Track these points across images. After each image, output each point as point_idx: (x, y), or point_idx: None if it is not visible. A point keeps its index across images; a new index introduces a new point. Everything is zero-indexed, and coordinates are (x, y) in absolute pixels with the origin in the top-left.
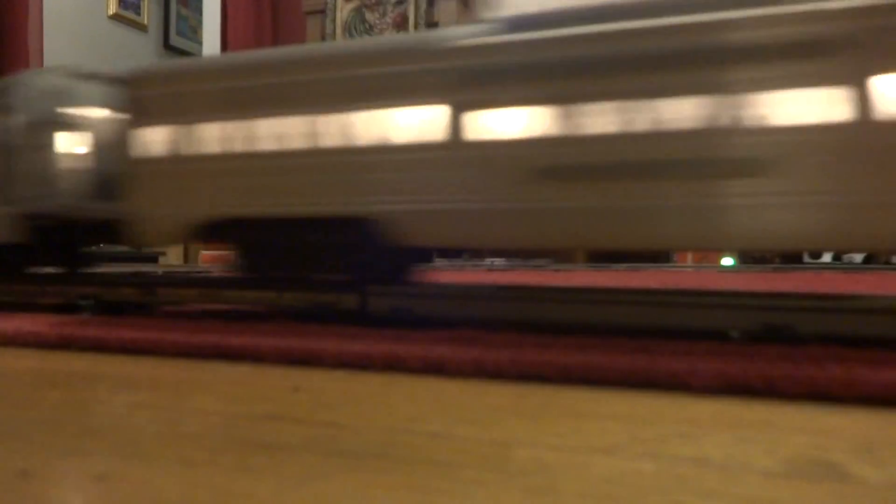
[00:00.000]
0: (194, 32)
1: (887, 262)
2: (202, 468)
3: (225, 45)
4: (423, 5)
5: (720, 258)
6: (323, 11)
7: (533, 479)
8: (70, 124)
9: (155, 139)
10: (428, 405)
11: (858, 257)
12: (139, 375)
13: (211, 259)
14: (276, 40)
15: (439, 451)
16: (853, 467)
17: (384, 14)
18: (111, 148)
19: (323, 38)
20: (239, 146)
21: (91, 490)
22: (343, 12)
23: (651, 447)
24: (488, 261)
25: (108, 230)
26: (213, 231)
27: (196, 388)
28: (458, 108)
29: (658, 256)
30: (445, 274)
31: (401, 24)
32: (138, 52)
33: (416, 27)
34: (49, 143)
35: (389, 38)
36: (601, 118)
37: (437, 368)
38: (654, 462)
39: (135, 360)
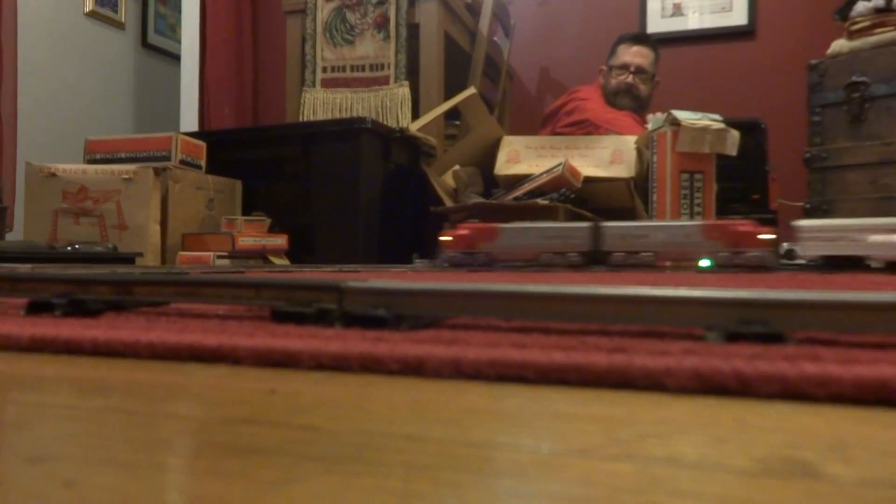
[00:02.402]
0: (173, 31)
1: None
2: (174, 473)
3: (204, 44)
4: (405, 6)
5: (698, 259)
6: (303, 11)
7: (510, 480)
8: None
9: None
10: (405, 407)
11: None
12: (113, 379)
13: (189, 260)
14: (255, 39)
15: (416, 453)
16: (825, 466)
17: (365, 14)
18: None
19: (303, 38)
20: None
21: (58, 497)
22: (323, 12)
23: (627, 448)
24: None
25: None
26: None
27: (171, 391)
28: None
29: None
30: (425, 275)
31: (382, 25)
32: (115, 51)
33: (397, 28)
34: None
35: None
36: None
37: (415, 369)
38: (630, 463)
39: (109, 362)
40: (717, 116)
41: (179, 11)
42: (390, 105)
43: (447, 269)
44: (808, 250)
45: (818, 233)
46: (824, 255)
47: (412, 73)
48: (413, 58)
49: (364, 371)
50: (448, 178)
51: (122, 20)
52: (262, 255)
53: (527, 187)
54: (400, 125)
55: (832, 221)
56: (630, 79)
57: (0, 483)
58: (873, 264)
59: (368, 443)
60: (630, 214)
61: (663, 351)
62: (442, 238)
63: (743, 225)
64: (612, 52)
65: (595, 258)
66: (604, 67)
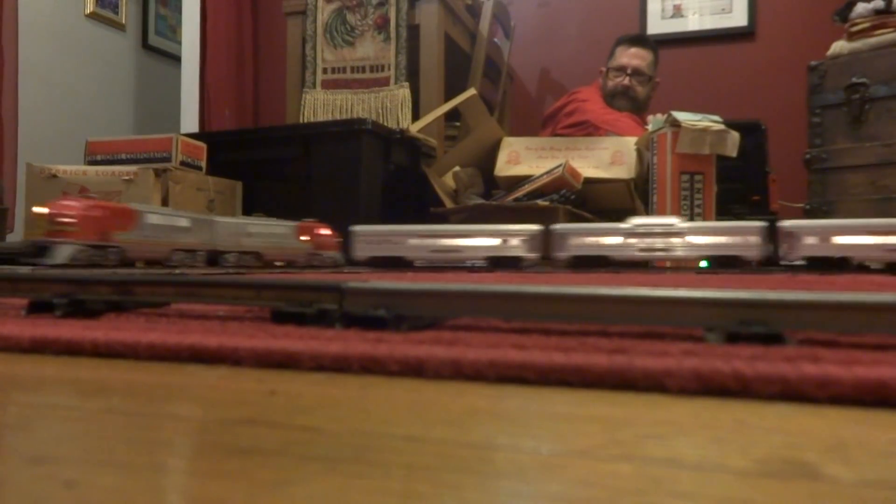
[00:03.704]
0: (173, 32)
1: (859, 265)
2: (175, 474)
3: (204, 45)
4: (405, 7)
5: (699, 260)
6: (303, 12)
7: (511, 481)
8: None
9: None
10: (406, 408)
11: None
12: (113, 380)
13: None
14: (256, 41)
15: (416, 454)
16: (826, 466)
17: (365, 16)
18: None
19: (303, 39)
20: None
21: (59, 498)
22: (324, 13)
23: (627, 449)
24: (469, 262)
25: None
26: None
27: (171, 392)
28: None
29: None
30: (426, 275)
31: (382, 26)
32: (116, 52)
33: (397, 29)
34: None
35: None
36: None
37: (415, 370)
38: (630, 464)
39: (109, 363)
40: (717, 118)
41: (180, 13)
42: (391, 106)
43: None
44: (360, 252)
45: (368, 236)
46: (373, 256)
47: (412, 75)
48: (413, 59)
49: (364, 372)
50: (448, 179)
51: (123, 21)
52: None
53: (527, 188)
54: (400, 126)
55: (379, 227)
56: (627, 81)
57: (1, 484)
58: (416, 263)
59: (369, 444)
60: (630, 216)
61: (663, 352)
62: (60, 219)
63: (324, 228)
64: (611, 54)
65: (211, 258)
66: (603, 69)
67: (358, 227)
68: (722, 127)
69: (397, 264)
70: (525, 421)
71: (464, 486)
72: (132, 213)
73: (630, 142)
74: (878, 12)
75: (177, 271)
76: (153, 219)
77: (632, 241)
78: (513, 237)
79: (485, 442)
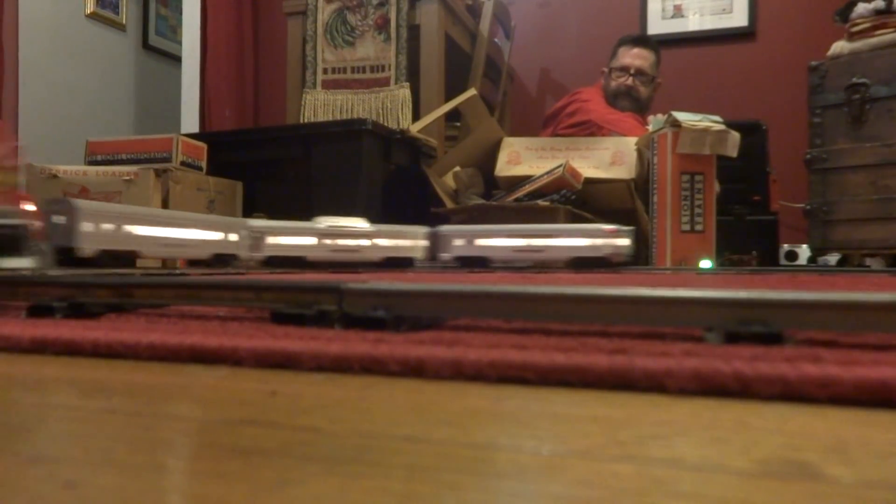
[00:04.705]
0: (174, 32)
1: (860, 265)
2: (175, 475)
3: (205, 46)
4: (406, 7)
5: (699, 261)
6: (304, 13)
7: (511, 482)
8: None
9: None
10: (406, 408)
11: (833, 260)
12: (114, 380)
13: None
14: (256, 41)
15: (417, 454)
16: (826, 467)
17: (366, 16)
18: None
19: (303, 40)
20: None
21: (59, 498)
22: (324, 13)
23: (628, 449)
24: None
25: None
26: None
27: (172, 393)
28: None
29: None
30: (425, 275)
31: (382, 26)
32: (116, 52)
33: (397, 29)
34: None
35: None
36: None
37: (415, 371)
38: (630, 464)
39: (109, 364)
40: (717, 118)
41: (180, 13)
42: (391, 106)
43: None
44: (86, 242)
45: (98, 222)
46: (103, 250)
47: (413, 75)
48: (414, 59)
49: (364, 372)
50: (449, 180)
51: (123, 22)
52: None
53: (527, 189)
54: (400, 126)
55: (107, 205)
56: (630, 81)
57: (1, 483)
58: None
59: (369, 444)
60: (631, 216)
61: (664, 352)
62: None
63: (26, 201)
64: (613, 54)
65: None
66: (605, 69)
67: (82, 203)
68: (722, 127)
69: (128, 259)
70: (526, 421)
71: (464, 487)
72: None
73: (630, 142)
74: (878, 12)
75: (176, 272)
76: None
77: (326, 241)
78: (231, 233)
79: (485, 442)
